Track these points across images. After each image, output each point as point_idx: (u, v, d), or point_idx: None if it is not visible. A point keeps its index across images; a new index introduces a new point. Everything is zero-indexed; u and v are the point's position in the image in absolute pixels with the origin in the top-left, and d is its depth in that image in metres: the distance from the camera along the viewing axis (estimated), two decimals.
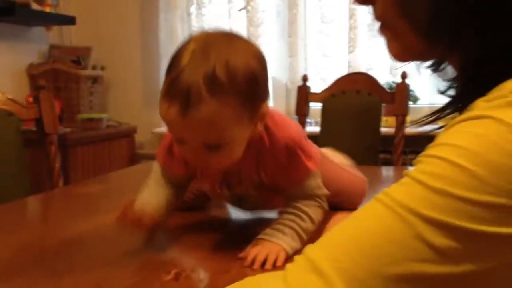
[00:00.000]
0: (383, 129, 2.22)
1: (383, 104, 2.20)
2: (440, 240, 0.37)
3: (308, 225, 0.86)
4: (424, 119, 0.56)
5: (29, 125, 2.42)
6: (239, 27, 2.79)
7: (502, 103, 0.39)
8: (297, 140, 0.86)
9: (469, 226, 0.37)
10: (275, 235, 0.83)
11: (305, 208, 0.86)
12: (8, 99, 1.58)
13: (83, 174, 2.43)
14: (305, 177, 0.87)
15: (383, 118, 2.38)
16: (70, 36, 3.01)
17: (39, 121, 1.63)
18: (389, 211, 0.40)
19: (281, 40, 2.74)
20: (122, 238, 0.85)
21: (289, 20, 2.72)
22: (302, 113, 2.22)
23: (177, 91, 0.72)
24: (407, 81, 2.12)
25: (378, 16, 0.50)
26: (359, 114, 2.17)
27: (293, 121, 0.95)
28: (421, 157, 0.42)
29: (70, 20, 2.79)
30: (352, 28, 2.63)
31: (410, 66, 0.55)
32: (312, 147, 0.93)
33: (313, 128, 2.42)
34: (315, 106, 2.26)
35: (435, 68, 0.54)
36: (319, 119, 2.24)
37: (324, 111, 2.21)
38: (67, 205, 1.30)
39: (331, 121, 2.21)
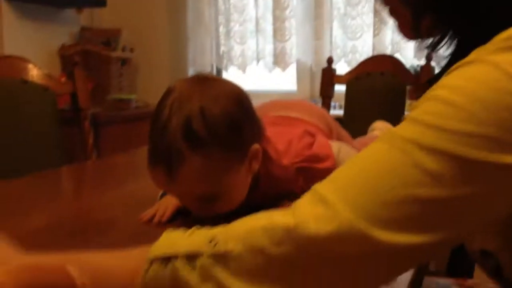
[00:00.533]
0: (407, 113, 2.24)
1: (408, 87, 2.22)
2: (435, 166, 0.41)
3: None
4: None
5: (62, 104, 2.51)
6: (266, 10, 2.82)
7: (492, 49, 0.43)
8: (305, 155, 0.82)
9: (461, 153, 0.41)
10: None
11: None
12: (44, 74, 1.65)
13: (113, 153, 2.50)
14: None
15: (408, 102, 2.39)
16: (101, 18, 3.08)
17: (73, 97, 1.70)
18: (389, 144, 0.44)
19: (306, 23, 2.76)
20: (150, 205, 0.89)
21: (315, 3, 2.74)
22: (326, 95, 2.25)
23: (159, 155, 0.71)
24: (432, 63, 2.13)
25: (385, 2, 0.58)
26: (383, 97, 2.19)
27: (293, 128, 0.90)
28: (418, 101, 0.46)
29: (100, 2, 2.86)
30: (377, 11, 2.63)
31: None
32: (321, 141, 0.87)
33: (337, 111, 2.45)
34: (339, 90, 2.28)
35: (433, 47, 0.58)
36: (343, 103, 2.27)
37: (348, 93, 2.23)
38: (99, 175, 1.36)
39: (355, 103, 2.23)
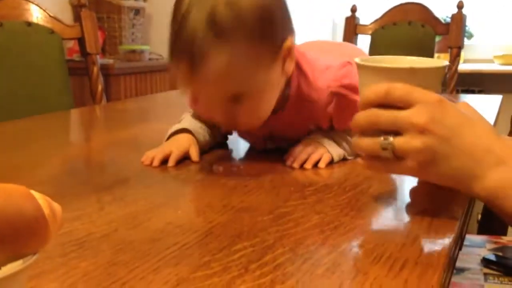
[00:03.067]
0: None
1: (437, 40, 2.08)
2: None
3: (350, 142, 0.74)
4: None
5: (70, 55, 2.42)
6: None
7: None
8: (344, 82, 0.73)
9: None
10: (321, 138, 0.76)
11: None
12: (50, 16, 1.55)
13: None
14: None
15: (436, 55, 2.26)
16: None
17: (81, 42, 1.60)
18: None
19: None
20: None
21: None
22: None
23: (181, 46, 0.63)
24: (463, 11, 1.98)
25: None
26: (411, 47, 2.06)
27: (333, 58, 0.80)
28: None
29: None
30: None
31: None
32: None
33: None
34: (363, 41, 2.15)
35: None
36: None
37: (372, 44, 2.11)
38: (107, 117, 1.29)
39: (380, 55, 2.10)
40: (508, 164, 0.46)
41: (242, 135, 0.84)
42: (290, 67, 0.69)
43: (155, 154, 0.74)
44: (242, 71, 0.64)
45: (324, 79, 0.74)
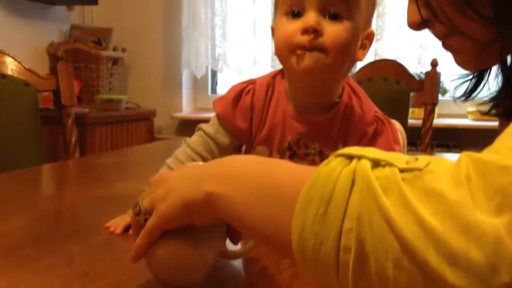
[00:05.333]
0: (410, 121, 2.14)
1: (411, 95, 2.12)
2: None
3: None
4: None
5: (46, 103, 2.39)
6: (264, 12, 2.72)
7: None
8: (388, 119, 0.83)
9: None
10: None
11: None
12: (25, 69, 1.53)
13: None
14: None
15: (410, 110, 2.29)
16: (92, 16, 2.97)
17: (56, 94, 1.59)
18: None
19: None
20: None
21: None
22: None
23: None
24: (437, 69, 2.03)
25: (439, 33, 0.54)
26: (386, 103, 2.07)
27: None
28: None
29: (92, 0, 2.75)
30: (380, 16, 2.54)
31: (440, 55, 0.61)
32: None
33: None
34: None
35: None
36: None
37: None
38: (81, 173, 1.25)
39: None
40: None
41: (259, 144, 0.83)
42: (362, 55, 0.78)
43: (120, 222, 0.72)
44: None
45: (371, 105, 0.83)
